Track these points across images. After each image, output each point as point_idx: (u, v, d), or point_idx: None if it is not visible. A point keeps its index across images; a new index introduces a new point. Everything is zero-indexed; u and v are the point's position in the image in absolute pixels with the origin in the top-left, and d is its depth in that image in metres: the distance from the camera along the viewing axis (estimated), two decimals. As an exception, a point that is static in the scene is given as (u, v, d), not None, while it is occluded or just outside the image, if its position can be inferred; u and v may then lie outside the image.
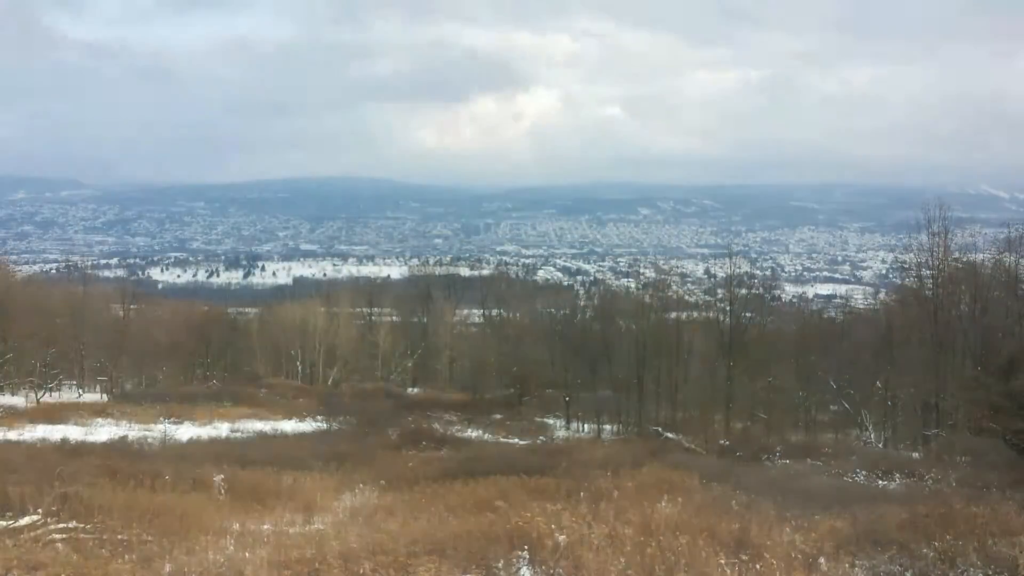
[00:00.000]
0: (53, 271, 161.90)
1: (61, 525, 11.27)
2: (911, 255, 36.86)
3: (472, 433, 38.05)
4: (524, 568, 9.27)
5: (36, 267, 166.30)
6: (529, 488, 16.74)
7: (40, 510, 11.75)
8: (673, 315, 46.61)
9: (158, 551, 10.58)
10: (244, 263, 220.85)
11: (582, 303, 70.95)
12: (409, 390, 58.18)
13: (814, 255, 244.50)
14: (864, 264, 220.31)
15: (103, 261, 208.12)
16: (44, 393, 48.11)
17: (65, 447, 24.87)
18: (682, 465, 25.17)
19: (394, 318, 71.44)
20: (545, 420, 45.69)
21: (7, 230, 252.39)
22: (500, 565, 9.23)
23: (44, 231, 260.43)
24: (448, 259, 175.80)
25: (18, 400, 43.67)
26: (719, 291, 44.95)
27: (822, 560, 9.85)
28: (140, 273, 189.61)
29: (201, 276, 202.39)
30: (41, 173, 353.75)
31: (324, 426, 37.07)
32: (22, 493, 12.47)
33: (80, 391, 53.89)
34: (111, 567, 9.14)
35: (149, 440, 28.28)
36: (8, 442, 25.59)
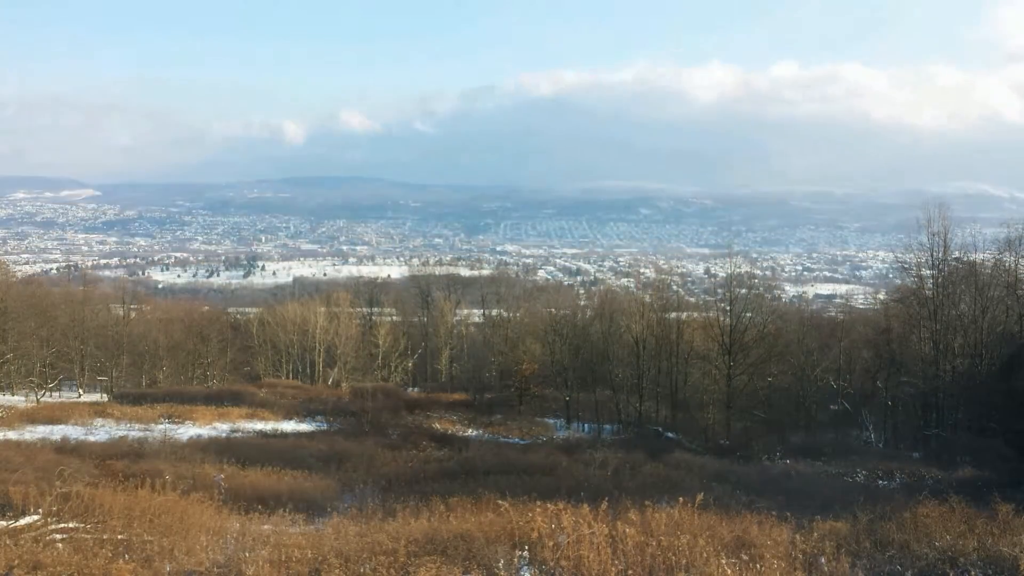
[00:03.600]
0: (53, 271, 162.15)
1: (61, 525, 11.26)
2: (911, 255, 36.87)
3: (472, 433, 38.04)
4: (524, 568, 9.26)
5: (36, 267, 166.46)
6: (529, 488, 16.73)
7: (40, 510, 11.75)
8: (673, 315, 46.50)
9: (158, 551, 10.58)
10: (244, 263, 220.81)
11: (582, 303, 70.91)
12: (409, 390, 58.16)
13: (814, 255, 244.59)
14: (864, 264, 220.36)
15: (103, 261, 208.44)
16: (44, 393, 48.13)
17: (65, 447, 24.87)
18: (682, 465, 25.21)
19: (394, 318, 71.41)
20: (545, 420, 45.66)
21: (7, 230, 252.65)
22: (500, 565, 9.22)
23: (44, 231, 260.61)
24: (448, 259, 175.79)
25: (18, 400, 43.68)
26: (719, 291, 44.81)
27: (822, 560, 9.85)
28: (140, 273, 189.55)
29: (201, 276, 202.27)
30: (41, 173, 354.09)
31: (324, 426, 37.06)
32: (22, 493, 12.47)
33: (80, 391, 53.90)
34: (111, 567, 9.14)
35: (149, 440, 28.28)
36: (8, 442, 25.57)
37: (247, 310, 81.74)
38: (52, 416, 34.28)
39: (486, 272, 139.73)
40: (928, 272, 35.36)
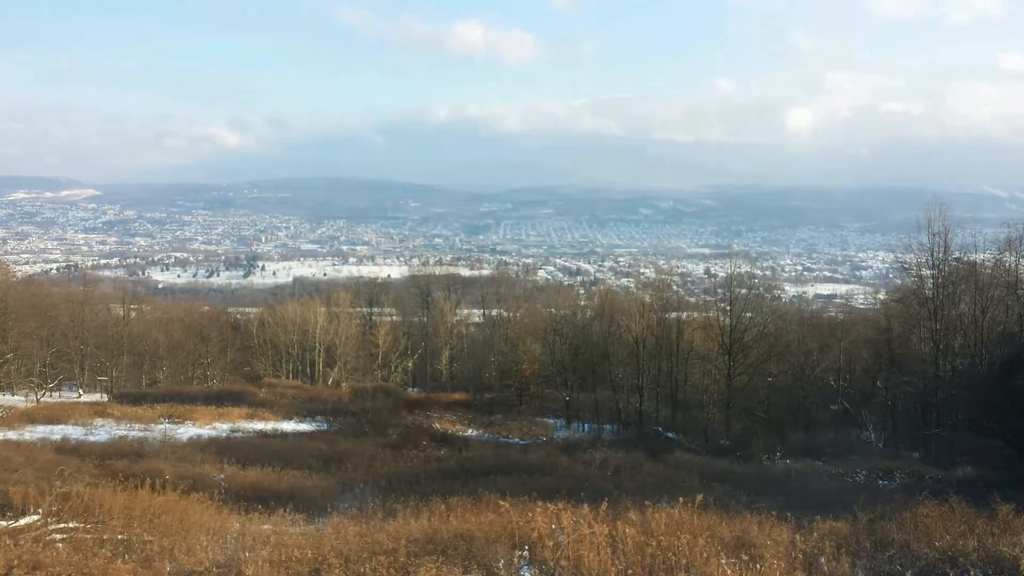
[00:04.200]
0: (53, 271, 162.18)
1: (61, 525, 11.26)
2: (911, 255, 36.82)
3: (472, 433, 38.04)
4: (524, 568, 9.26)
5: (36, 267, 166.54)
6: (529, 488, 16.74)
7: (40, 510, 11.74)
8: (673, 315, 46.51)
9: (158, 551, 10.58)
10: (244, 263, 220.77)
11: (582, 303, 70.91)
12: (409, 390, 58.15)
13: (814, 255, 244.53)
14: (864, 264, 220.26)
15: (103, 261, 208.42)
16: (44, 393, 48.12)
17: (65, 447, 24.88)
18: (682, 465, 25.23)
19: (394, 318, 71.39)
20: (545, 420, 45.65)
21: (7, 230, 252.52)
22: (500, 565, 9.22)
23: (44, 231, 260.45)
24: (448, 259, 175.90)
25: (18, 400, 43.68)
26: (719, 291, 44.87)
27: (822, 560, 9.85)
28: (140, 273, 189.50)
29: (201, 276, 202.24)
30: (41, 173, 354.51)
31: (324, 426, 37.07)
32: (22, 493, 12.46)
33: (80, 391, 53.89)
34: (111, 567, 9.14)
35: (149, 440, 28.29)
36: (8, 442, 25.57)
37: (247, 310, 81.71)
38: (52, 416, 34.28)
39: (486, 272, 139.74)
40: (928, 272, 35.32)
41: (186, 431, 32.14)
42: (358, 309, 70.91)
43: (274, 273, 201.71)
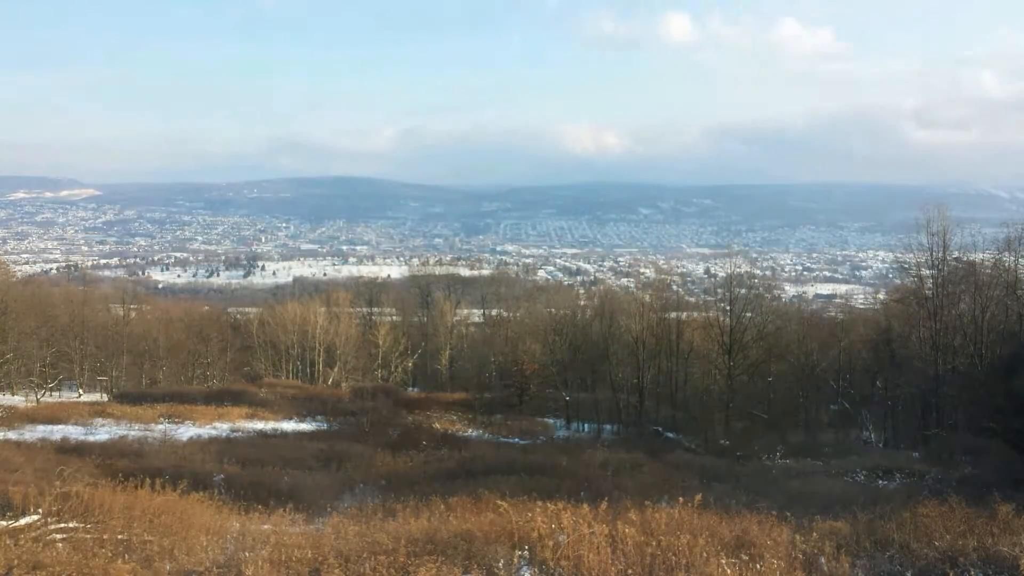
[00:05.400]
0: (53, 271, 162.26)
1: (61, 525, 11.25)
2: (911, 255, 36.87)
3: (472, 433, 38.03)
4: (524, 568, 9.26)
5: (36, 267, 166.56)
6: (529, 488, 16.75)
7: (40, 510, 11.74)
8: (673, 315, 46.55)
9: (158, 551, 10.58)
10: (244, 263, 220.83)
11: (582, 303, 70.95)
12: (409, 390, 58.16)
13: (814, 255, 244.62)
14: (864, 264, 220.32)
15: (103, 261, 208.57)
16: (44, 393, 48.13)
17: (65, 447, 24.88)
18: (682, 465, 25.24)
19: (394, 318, 71.44)
20: (545, 420, 45.66)
21: (7, 230, 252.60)
22: (500, 565, 9.22)
23: (44, 231, 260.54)
24: (448, 259, 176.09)
25: (18, 400, 43.68)
26: (719, 291, 44.92)
27: (822, 560, 9.85)
28: (140, 273, 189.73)
29: (201, 276, 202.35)
30: (41, 173, 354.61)
31: (324, 426, 37.06)
32: (22, 493, 12.46)
33: (80, 391, 53.89)
34: (111, 567, 9.14)
35: (149, 440, 28.29)
36: (8, 442, 25.57)
37: (247, 310, 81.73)
38: (52, 416, 34.27)
39: (486, 272, 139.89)
40: (928, 272, 35.38)
41: (186, 431, 32.12)
42: (358, 309, 70.97)
43: (274, 273, 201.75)
